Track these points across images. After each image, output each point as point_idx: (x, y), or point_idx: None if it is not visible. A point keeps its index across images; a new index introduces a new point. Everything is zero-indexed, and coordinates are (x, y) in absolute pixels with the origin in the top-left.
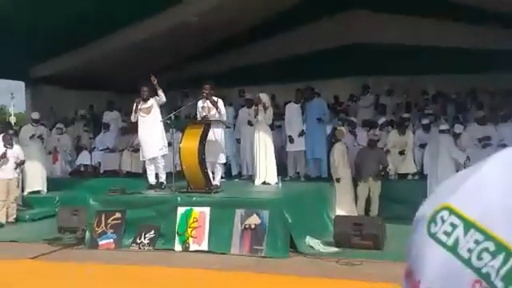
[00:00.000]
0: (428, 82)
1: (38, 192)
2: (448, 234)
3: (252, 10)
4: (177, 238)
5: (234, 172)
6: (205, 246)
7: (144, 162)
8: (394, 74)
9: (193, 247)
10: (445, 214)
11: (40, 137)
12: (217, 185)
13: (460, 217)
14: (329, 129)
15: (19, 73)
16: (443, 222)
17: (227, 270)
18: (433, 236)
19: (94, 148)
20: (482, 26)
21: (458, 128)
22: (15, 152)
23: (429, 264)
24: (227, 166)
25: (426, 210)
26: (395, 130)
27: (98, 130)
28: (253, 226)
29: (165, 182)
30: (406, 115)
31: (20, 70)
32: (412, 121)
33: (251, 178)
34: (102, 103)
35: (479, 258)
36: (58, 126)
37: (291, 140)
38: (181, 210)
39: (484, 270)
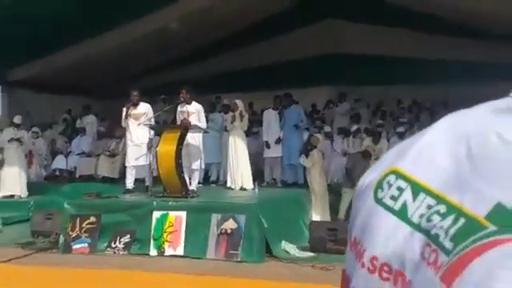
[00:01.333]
0: (403, 91)
1: (12, 196)
2: (395, 199)
3: (231, 19)
4: (152, 242)
5: (213, 178)
6: (180, 251)
7: (124, 166)
8: (370, 83)
9: (168, 252)
10: (391, 178)
11: (18, 140)
12: (193, 190)
13: (407, 180)
14: (305, 136)
15: None
16: (390, 186)
17: (203, 275)
18: (379, 202)
19: (70, 152)
20: (456, 37)
21: None
22: None
23: (376, 231)
24: (206, 172)
25: (371, 176)
26: (370, 137)
27: (73, 135)
28: (229, 231)
29: (150, 187)
30: (380, 121)
31: None
32: (387, 129)
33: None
34: (77, 108)
35: (429, 220)
36: (34, 129)
37: (268, 146)
38: (156, 215)
39: (433, 232)
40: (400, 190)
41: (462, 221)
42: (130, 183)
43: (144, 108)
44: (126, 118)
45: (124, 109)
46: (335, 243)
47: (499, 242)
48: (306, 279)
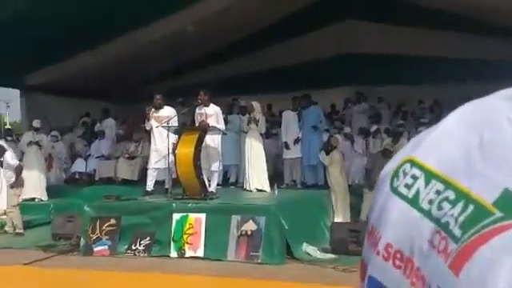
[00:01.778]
0: (424, 91)
1: (33, 199)
2: (409, 187)
3: (248, 20)
4: (172, 244)
5: (232, 179)
6: (200, 253)
7: (145, 168)
8: (390, 83)
9: (188, 253)
10: (407, 166)
11: (37, 143)
12: (212, 191)
13: (421, 168)
14: (325, 137)
15: (14, 81)
16: (405, 174)
17: (223, 277)
18: (395, 190)
19: (90, 155)
20: (477, 35)
21: None
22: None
23: (389, 219)
24: (225, 173)
25: (389, 167)
26: (389, 138)
27: (92, 138)
28: (249, 233)
29: (169, 189)
30: (401, 121)
31: (15, 77)
32: (408, 129)
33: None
34: (96, 111)
35: (439, 207)
36: (53, 133)
37: (287, 147)
38: (176, 217)
39: (443, 220)
40: (414, 178)
41: (470, 208)
42: (150, 185)
43: (168, 111)
44: (149, 120)
45: (148, 111)
46: (357, 245)
47: (505, 227)
48: (327, 281)
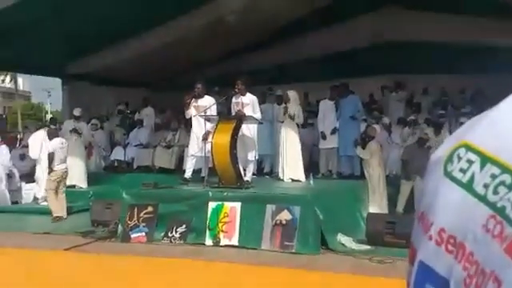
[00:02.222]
0: (466, 80)
1: (73, 186)
2: (464, 171)
3: (286, 8)
4: (208, 232)
5: (267, 169)
6: (235, 241)
7: (182, 157)
8: (430, 72)
9: (223, 242)
10: (461, 151)
11: (77, 132)
12: (248, 180)
13: (477, 152)
14: (363, 127)
15: (56, 70)
16: (459, 159)
17: (258, 265)
18: (449, 175)
19: (128, 144)
20: None
21: None
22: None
23: (442, 204)
24: (259, 163)
25: (442, 151)
26: (431, 128)
27: (131, 127)
28: (284, 222)
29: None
30: (441, 112)
31: (57, 67)
32: (449, 120)
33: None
34: (136, 100)
35: (495, 192)
36: (93, 122)
37: (324, 137)
38: (212, 205)
39: (499, 204)
40: (470, 162)
41: None
42: (188, 173)
43: (207, 100)
44: (188, 109)
45: (188, 100)
46: (393, 236)
47: None
48: (363, 272)
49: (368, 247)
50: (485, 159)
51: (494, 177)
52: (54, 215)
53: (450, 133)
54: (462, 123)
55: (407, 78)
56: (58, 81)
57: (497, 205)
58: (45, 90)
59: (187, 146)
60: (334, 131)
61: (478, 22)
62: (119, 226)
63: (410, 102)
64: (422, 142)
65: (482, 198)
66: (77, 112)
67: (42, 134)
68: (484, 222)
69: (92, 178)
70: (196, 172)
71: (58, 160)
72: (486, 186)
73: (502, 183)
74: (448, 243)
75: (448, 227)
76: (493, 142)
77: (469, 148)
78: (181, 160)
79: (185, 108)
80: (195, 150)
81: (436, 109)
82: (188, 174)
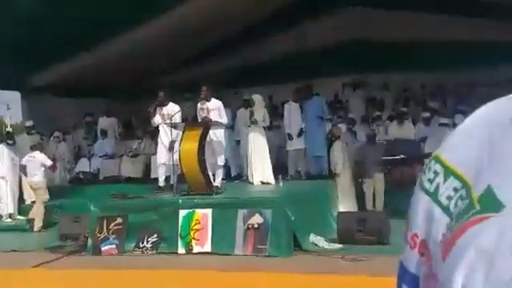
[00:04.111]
0: (427, 76)
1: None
2: (431, 181)
3: (247, 9)
4: (180, 240)
5: (234, 173)
6: (208, 248)
7: (149, 165)
8: (391, 69)
9: (196, 249)
10: (432, 162)
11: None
12: (218, 186)
13: (442, 164)
14: (328, 127)
15: (15, 83)
16: (429, 170)
17: (231, 271)
18: (421, 184)
19: (93, 155)
20: (480, 18)
21: (459, 120)
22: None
23: (415, 211)
24: (226, 168)
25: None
26: (395, 121)
27: (95, 137)
28: (256, 226)
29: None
30: (403, 109)
31: (16, 80)
32: (411, 115)
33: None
34: (98, 110)
35: (456, 205)
36: (56, 134)
37: (291, 138)
38: (182, 213)
39: (455, 215)
40: (436, 173)
41: (466, 201)
42: (161, 181)
43: (171, 108)
44: (153, 118)
45: (151, 109)
46: (364, 234)
47: (477, 221)
48: (336, 271)
49: (340, 246)
50: (448, 171)
51: (456, 190)
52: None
53: (414, 127)
54: (424, 117)
55: (369, 77)
56: (16, 94)
57: (454, 215)
58: (3, 104)
59: (154, 154)
60: (300, 132)
61: (440, 19)
62: (89, 239)
63: (373, 99)
64: (371, 138)
65: (445, 209)
66: (29, 123)
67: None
68: (443, 230)
69: (58, 192)
70: (165, 180)
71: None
72: (449, 198)
73: (460, 196)
74: (420, 246)
75: (420, 233)
76: (455, 155)
77: (437, 160)
78: (148, 168)
79: (149, 117)
80: (163, 159)
81: (398, 105)
82: (162, 183)
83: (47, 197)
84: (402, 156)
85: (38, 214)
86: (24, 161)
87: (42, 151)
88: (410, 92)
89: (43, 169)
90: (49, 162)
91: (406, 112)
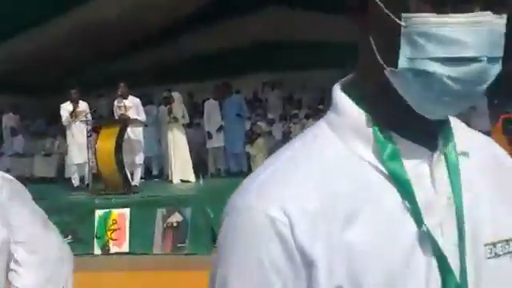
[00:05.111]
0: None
1: None
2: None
3: (166, 7)
4: (96, 241)
5: (155, 172)
6: (126, 248)
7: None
8: (310, 69)
9: (113, 250)
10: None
11: None
12: (136, 185)
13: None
14: (248, 124)
15: None
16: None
17: (150, 270)
18: None
19: (2, 154)
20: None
21: None
22: None
23: None
24: (147, 166)
25: None
26: (311, 119)
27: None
28: (175, 224)
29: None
30: (320, 107)
31: None
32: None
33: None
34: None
35: None
36: None
37: (210, 136)
38: (99, 213)
39: None
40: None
41: None
42: (76, 181)
43: (83, 106)
44: (71, 116)
45: (63, 106)
46: None
47: None
48: None
49: None
50: None
51: None
52: None
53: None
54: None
55: (288, 76)
56: None
57: None
58: None
59: (67, 154)
60: (219, 130)
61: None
62: None
63: (290, 98)
64: (287, 136)
65: None
66: None
67: None
68: None
69: None
70: (80, 180)
71: None
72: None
73: None
74: None
75: None
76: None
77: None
78: (61, 168)
79: (61, 114)
80: (77, 158)
81: (315, 103)
82: (77, 183)
83: None
84: None
85: None
86: None
87: None
88: (327, 91)
89: None
90: None
91: (322, 110)
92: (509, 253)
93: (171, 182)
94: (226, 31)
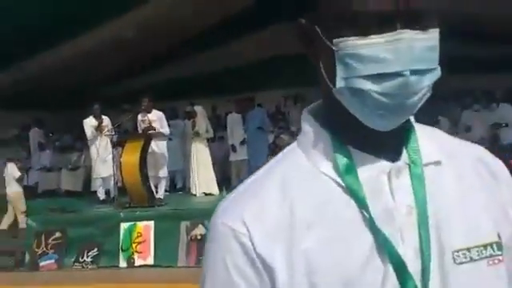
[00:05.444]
0: None
1: None
2: None
3: (189, 23)
4: (121, 254)
5: (179, 185)
6: (150, 261)
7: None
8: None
9: (138, 262)
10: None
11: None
12: (160, 198)
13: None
14: (271, 138)
15: None
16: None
17: (174, 283)
18: None
19: (30, 168)
20: None
21: None
22: None
23: None
24: (172, 179)
25: None
26: None
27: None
28: (199, 237)
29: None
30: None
31: None
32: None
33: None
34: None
35: None
36: None
37: (234, 149)
38: (124, 226)
39: None
40: None
41: None
42: (101, 195)
43: (106, 120)
44: (96, 130)
45: (86, 122)
46: None
47: None
48: None
49: None
50: None
51: None
52: None
53: None
54: None
55: (309, 89)
56: None
57: None
58: None
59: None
60: (243, 143)
61: None
62: (26, 254)
63: None
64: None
65: None
66: None
67: None
68: None
69: None
70: (106, 193)
71: None
72: None
73: None
74: None
75: None
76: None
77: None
78: (88, 182)
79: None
80: (103, 171)
81: None
82: (102, 196)
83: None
84: None
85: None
86: None
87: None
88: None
89: None
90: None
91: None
92: (486, 257)
93: (195, 195)
94: (249, 45)
